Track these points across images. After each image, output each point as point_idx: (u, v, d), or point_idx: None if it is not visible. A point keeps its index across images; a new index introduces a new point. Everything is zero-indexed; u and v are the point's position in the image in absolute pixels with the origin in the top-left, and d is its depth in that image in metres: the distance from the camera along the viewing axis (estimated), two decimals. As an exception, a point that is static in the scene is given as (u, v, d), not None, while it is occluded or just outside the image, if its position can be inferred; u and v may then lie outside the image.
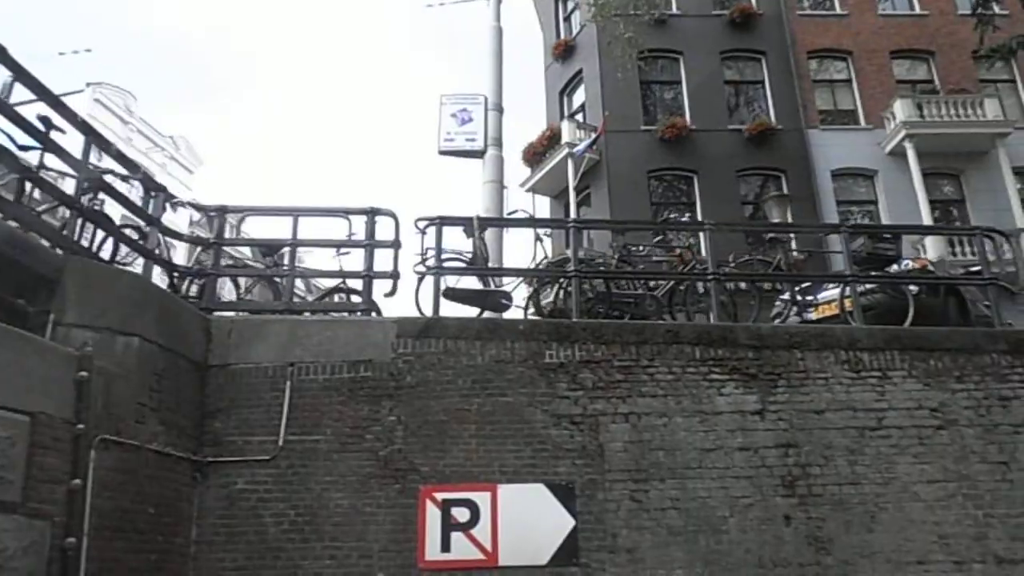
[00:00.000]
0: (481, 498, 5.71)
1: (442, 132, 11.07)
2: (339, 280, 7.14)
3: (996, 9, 11.98)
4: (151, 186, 6.51)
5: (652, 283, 6.94)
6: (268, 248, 7.24)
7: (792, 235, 11.37)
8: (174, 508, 5.29)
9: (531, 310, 7.08)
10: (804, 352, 6.24)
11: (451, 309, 6.89)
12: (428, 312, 6.43)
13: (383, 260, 6.74)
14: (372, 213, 6.80)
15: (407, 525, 5.59)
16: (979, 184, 18.06)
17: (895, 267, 7.52)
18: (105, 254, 6.17)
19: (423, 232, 6.66)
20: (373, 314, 6.55)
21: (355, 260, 6.75)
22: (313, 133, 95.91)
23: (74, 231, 5.44)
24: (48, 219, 5.98)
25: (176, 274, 6.73)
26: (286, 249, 7.13)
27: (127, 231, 6.40)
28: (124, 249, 6.36)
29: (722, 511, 5.72)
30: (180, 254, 12.59)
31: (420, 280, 6.69)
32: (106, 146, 6.07)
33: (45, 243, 5.23)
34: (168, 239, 6.83)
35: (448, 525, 5.60)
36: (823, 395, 6.11)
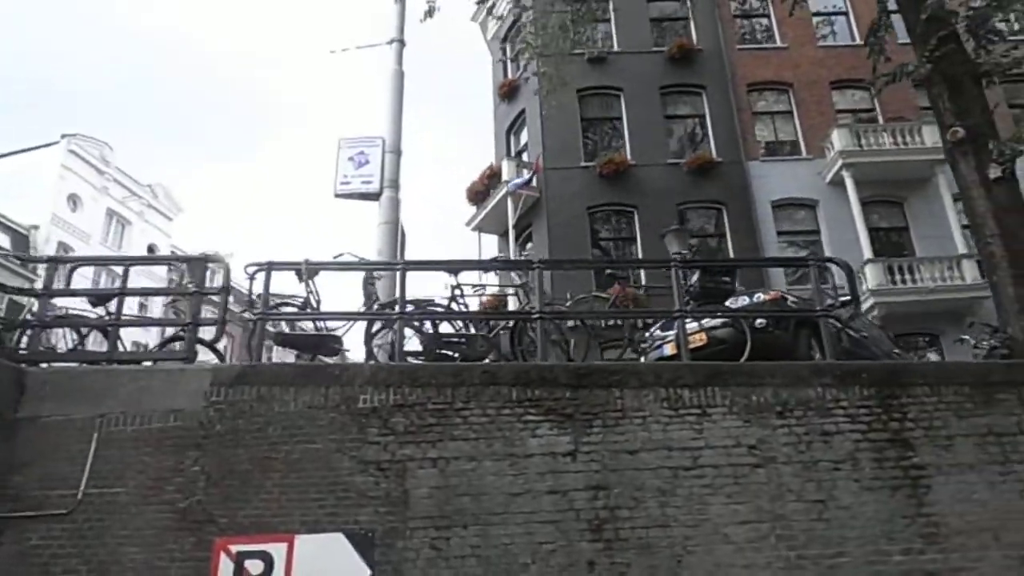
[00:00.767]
0: (277, 550, 5.57)
1: (339, 175, 11.09)
2: (178, 328, 7.10)
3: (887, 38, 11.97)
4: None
5: (493, 323, 6.86)
6: (97, 298, 7.21)
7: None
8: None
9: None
10: (623, 390, 6.11)
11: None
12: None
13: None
14: (204, 260, 6.79)
15: (198, 579, 5.45)
16: (921, 211, 18.02)
17: (747, 300, 7.43)
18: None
19: (252, 278, 6.63)
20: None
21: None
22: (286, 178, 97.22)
23: None
24: None
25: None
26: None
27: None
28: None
29: (524, 558, 5.55)
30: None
31: (253, 326, 6.65)
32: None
33: None
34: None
35: (240, 578, 5.46)
36: (639, 434, 5.96)
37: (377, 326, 6.92)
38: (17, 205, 29.34)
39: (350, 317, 6.70)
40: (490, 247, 19.91)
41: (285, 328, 6.70)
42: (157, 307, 29.32)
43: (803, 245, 18.30)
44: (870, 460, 5.87)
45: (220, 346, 6.89)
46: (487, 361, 6.99)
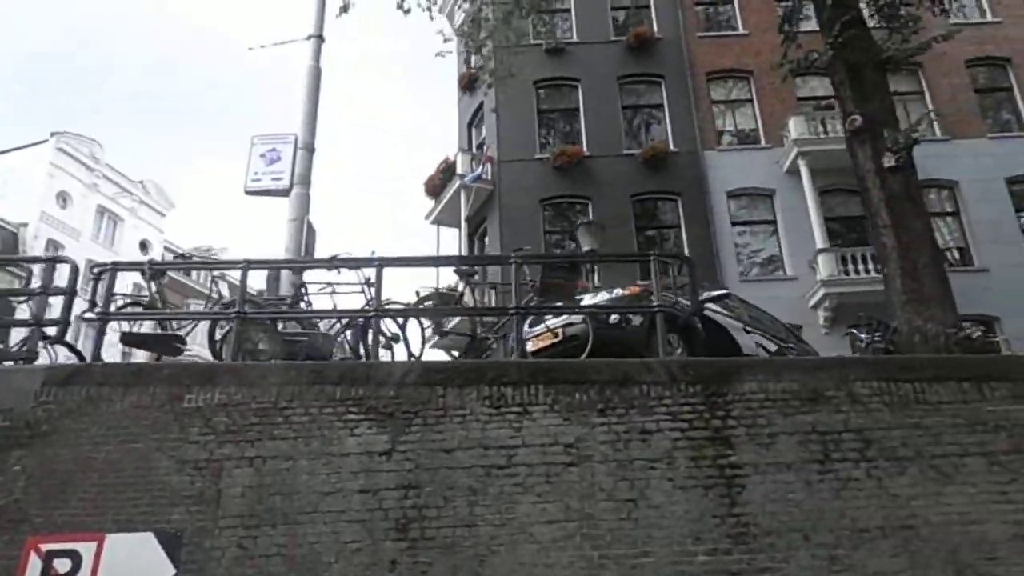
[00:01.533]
0: (86, 548, 5.61)
1: (250, 172, 11.14)
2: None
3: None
4: None
5: (341, 322, 6.86)
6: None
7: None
8: None
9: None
10: (447, 388, 6.08)
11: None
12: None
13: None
14: (53, 261, 6.85)
15: (7, 577, 5.53)
16: (881, 199, 17.62)
17: (605, 295, 7.35)
18: None
19: (97, 278, 6.68)
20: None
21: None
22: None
23: None
24: None
25: None
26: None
27: None
28: None
29: (328, 556, 5.55)
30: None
31: (100, 326, 6.70)
32: None
33: None
34: None
35: (47, 576, 5.52)
36: (457, 433, 5.93)
37: (228, 326, 6.93)
38: (6, 204, 29.88)
39: (190, 317, 6.74)
40: (450, 240, 19.91)
41: (132, 327, 6.72)
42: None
43: (758, 235, 18.07)
44: (687, 459, 5.79)
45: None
46: (339, 360, 6.99)
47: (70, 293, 6.73)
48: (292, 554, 5.57)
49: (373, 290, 6.49)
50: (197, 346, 7.05)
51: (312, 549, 5.58)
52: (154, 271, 6.63)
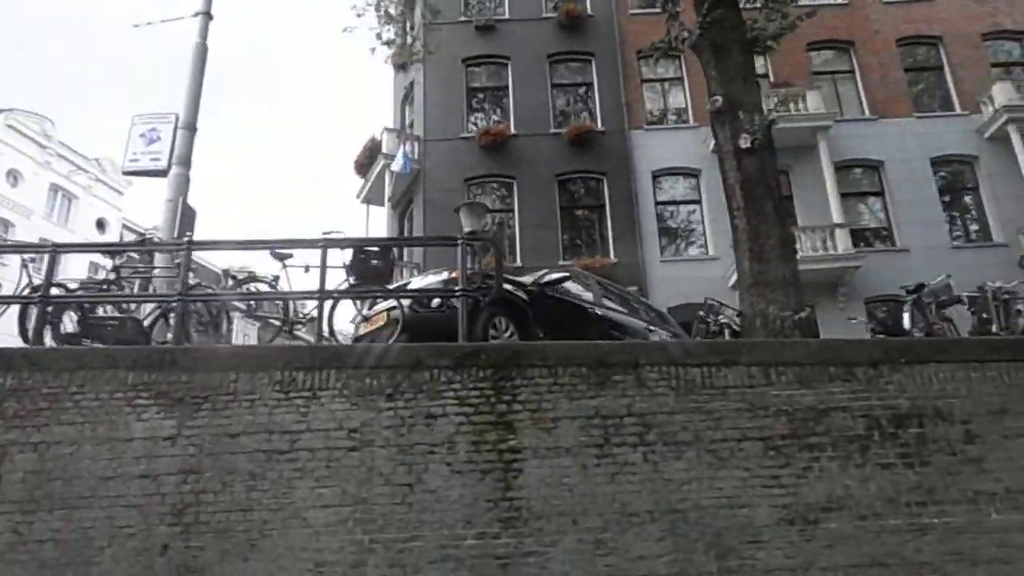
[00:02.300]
0: None
1: (128, 152, 11.01)
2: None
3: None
4: None
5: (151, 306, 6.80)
6: None
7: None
8: None
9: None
10: (239, 373, 6.05)
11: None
12: None
13: None
14: None
15: None
16: (805, 180, 17.64)
17: (432, 279, 7.32)
18: None
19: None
20: None
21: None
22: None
23: None
24: None
25: None
26: None
27: None
28: None
29: (101, 542, 5.54)
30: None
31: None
32: None
33: None
34: None
35: None
36: (244, 418, 5.90)
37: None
38: (-47, 181, 29.57)
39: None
40: (380, 219, 19.79)
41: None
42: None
43: (683, 214, 18.05)
44: (468, 443, 5.79)
45: None
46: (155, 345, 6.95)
47: None
48: (65, 539, 5.56)
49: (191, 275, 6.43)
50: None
51: (86, 534, 5.57)
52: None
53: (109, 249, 6.65)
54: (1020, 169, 16.85)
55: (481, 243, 6.65)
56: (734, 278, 16.60)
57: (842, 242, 16.10)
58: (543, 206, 17.48)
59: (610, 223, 17.47)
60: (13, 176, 32.05)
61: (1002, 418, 5.78)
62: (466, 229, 10.77)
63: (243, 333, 21.88)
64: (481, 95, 19.24)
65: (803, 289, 8.36)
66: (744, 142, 8.81)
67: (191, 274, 6.70)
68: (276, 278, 6.72)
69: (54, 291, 6.62)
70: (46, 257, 6.48)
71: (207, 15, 12.12)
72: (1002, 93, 17.36)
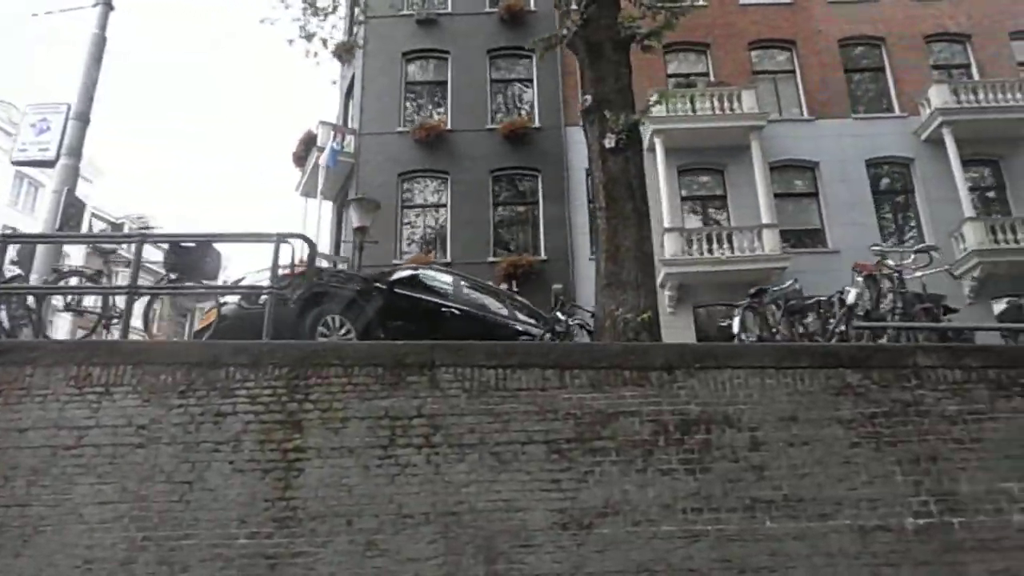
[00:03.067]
0: None
1: (19, 142, 10.95)
2: None
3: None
4: None
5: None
6: None
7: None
8: None
9: None
10: (35, 368, 6.02)
11: None
12: None
13: None
14: None
15: None
16: (739, 179, 17.58)
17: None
18: None
19: None
20: None
21: None
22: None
23: None
24: None
25: None
26: None
27: None
28: None
29: None
30: None
31: None
32: None
33: None
34: None
35: None
36: (35, 413, 5.87)
37: None
38: (-86, 167, 29.44)
39: None
40: (326, 212, 19.72)
41: None
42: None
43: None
44: (254, 442, 5.76)
45: None
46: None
47: None
48: None
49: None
50: None
51: None
52: None
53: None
54: (953, 172, 16.78)
55: (301, 239, 6.56)
56: (659, 277, 16.61)
57: (769, 242, 16.04)
58: (477, 202, 17.43)
59: (542, 219, 17.42)
60: None
61: (790, 425, 5.75)
62: (355, 224, 10.74)
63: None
64: (420, 89, 19.17)
65: (655, 291, 8.33)
66: (609, 141, 8.76)
67: (15, 267, 6.66)
68: (99, 272, 6.67)
69: None
70: None
71: (107, 5, 12.02)
72: (938, 96, 17.27)
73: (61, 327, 16.23)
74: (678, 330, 15.71)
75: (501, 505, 5.53)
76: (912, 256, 8.12)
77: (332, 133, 18.01)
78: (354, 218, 10.72)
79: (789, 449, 5.66)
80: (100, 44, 11.74)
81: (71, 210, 10.51)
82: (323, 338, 7.19)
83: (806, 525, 5.41)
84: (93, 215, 38.00)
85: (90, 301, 7.69)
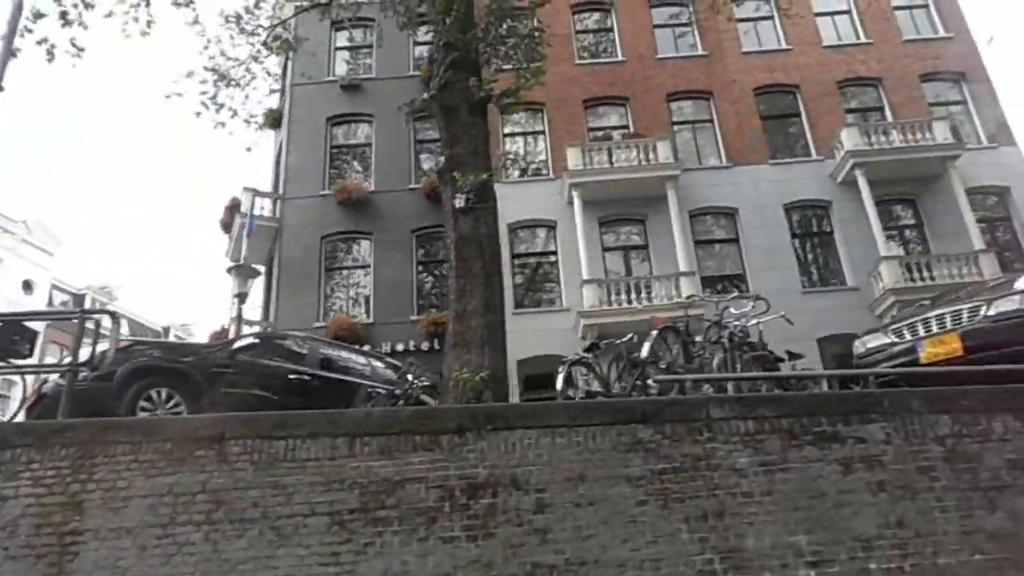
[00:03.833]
0: None
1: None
2: None
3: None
4: None
5: None
6: None
7: None
8: None
9: None
10: None
11: None
12: None
13: None
14: None
15: None
16: (660, 228, 17.71)
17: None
18: None
19: None
20: None
21: None
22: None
23: None
24: None
25: None
26: None
27: None
28: None
29: None
30: None
31: None
32: None
33: None
34: None
35: None
36: None
37: None
38: None
39: None
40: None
41: None
42: None
43: (538, 266, 18.08)
44: (31, 526, 5.59)
45: None
46: None
47: None
48: None
49: None
50: None
51: None
52: None
53: None
54: (867, 213, 16.97)
55: (108, 315, 6.52)
56: (580, 328, 16.60)
57: (687, 290, 16.05)
58: (400, 261, 17.50)
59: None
60: None
61: (578, 485, 5.63)
62: (234, 292, 10.73)
63: None
64: (345, 152, 19.43)
65: (503, 350, 8.28)
66: (459, 201, 8.85)
67: None
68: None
69: None
70: None
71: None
72: (849, 138, 17.58)
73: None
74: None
75: (275, 582, 5.37)
76: (751, 304, 8.13)
77: (262, 197, 18.17)
78: (234, 284, 10.71)
79: (575, 510, 5.54)
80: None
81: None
82: (144, 412, 7.09)
83: (586, 590, 5.26)
84: (54, 287, 38.01)
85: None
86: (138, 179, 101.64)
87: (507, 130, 19.46)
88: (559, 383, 7.00)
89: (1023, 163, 18.19)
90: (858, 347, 7.46)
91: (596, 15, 20.91)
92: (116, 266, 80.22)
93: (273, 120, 20.52)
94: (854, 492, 5.56)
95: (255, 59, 13.69)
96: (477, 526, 5.51)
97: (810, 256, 18.05)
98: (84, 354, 6.75)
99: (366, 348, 11.54)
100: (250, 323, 17.02)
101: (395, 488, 5.67)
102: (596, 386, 7.38)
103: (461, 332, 8.16)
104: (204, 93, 13.51)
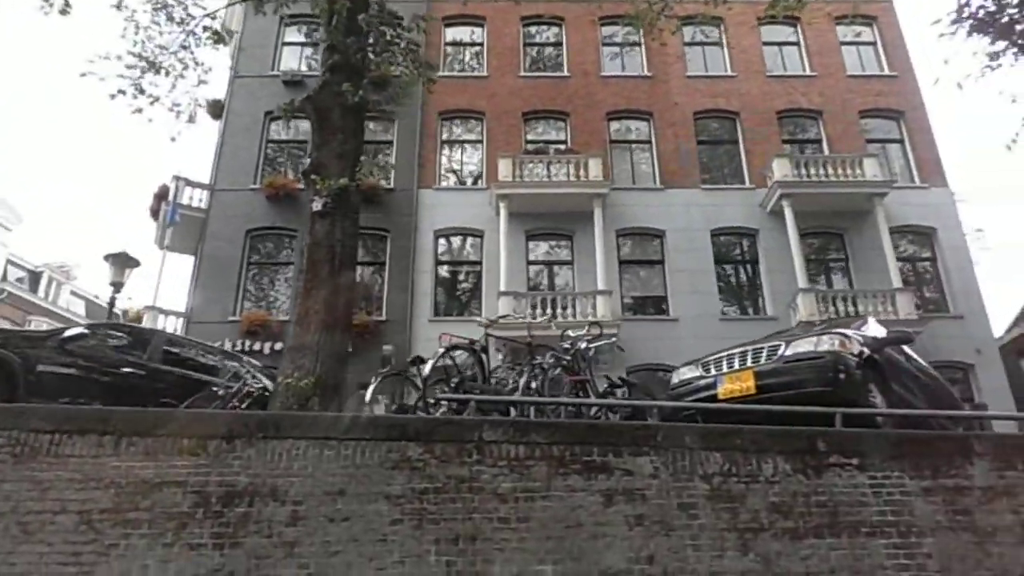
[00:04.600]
0: None
1: None
2: None
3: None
4: None
5: None
6: None
7: None
8: None
9: None
10: None
11: None
12: None
13: None
14: None
15: None
16: (586, 245, 17.69)
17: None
18: None
19: None
20: None
21: None
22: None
23: None
24: None
25: None
26: None
27: None
28: None
29: None
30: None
31: None
32: None
33: None
34: None
35: None
36: None
37: None
38: None
39: None
40: (176, 264, 19.61)
41: None
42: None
43: (462, 274, 18.03)
44: None
45: None
46: None
47: None
48: None
49: None
50: None
51: None
52: None
53: None
54: (790, 243, 17.01)
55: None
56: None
57: (603, 308, 16.04)
58: (323, 260, 17.37)
59: (387, 280, 17.40)
60: None
61: (337, 500, 5.57)
62: (110, 281, 10.63)
63: None
64: (280, 148, 19.34)
65: (342, 356, 8.20)
66: (316, 204, 8.78)
67: None
68: None
69: None
70: None
71: None
72: (779, 168, 17.63)
73: None
74: (509, 395, 15.50)
75: (14, 578, 5.27)
76: (586, 328, 8.11)
77: (191, 187, 18.08)
78: (110, 272, 10.60)
79: (328, 525, 5.47)
80: None
81: None
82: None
83: (321, 606, 5.19)
84: (9, 263, 37.69)
85: None
86: (101, 160, 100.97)
87: (445, 136, 19.42)
88: (368, 395, 6.94)
89: (951, 205, 18.31)
90: (673, 378, 7.45)
91: (549, 29, 20.93)
92: (79, 245, 79.39)
93: (217, 111, 20.43)
94: (611, 524, 5.52)
95: (184, 48, 13.54)
96: (227, 535, 5.44)
97: (733, 283, 18.07)
98: None
99: (228, 347, 11.43)
100: (164, 312, 16.90)
101: (152, 490, 5.59)
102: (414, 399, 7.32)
103: (300, 335, 8.09)
104: (123, 77, 13.33)
